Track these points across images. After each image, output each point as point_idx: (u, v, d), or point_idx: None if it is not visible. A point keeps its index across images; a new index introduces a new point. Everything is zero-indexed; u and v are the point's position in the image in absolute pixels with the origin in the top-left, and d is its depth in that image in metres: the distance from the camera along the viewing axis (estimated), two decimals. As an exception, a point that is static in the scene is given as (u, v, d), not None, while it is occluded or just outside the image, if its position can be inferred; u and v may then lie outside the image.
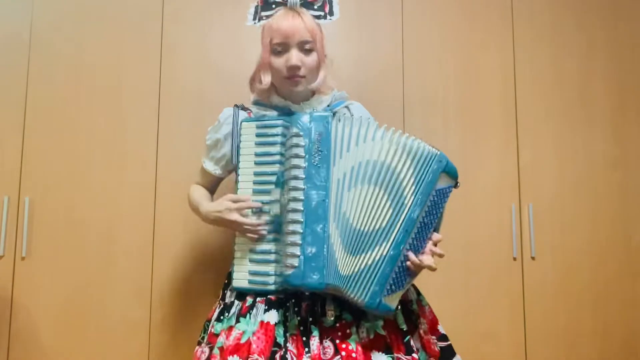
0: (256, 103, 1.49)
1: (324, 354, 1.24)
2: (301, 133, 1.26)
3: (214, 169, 1.51)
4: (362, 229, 1.25)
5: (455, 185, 1.35)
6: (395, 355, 1.27)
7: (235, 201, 1.33)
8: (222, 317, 1.35)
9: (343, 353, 1.23)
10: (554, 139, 2.09)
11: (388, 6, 2.08)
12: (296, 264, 1.22)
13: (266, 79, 1.41)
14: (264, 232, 1.31)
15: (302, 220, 1.22)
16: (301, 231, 1.22)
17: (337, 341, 1.25)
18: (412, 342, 1.32)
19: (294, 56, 1.36)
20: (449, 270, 1.98)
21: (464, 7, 2.12)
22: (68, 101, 1.91)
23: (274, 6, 1.43)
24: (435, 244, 1.31)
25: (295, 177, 1.24)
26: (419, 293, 1.46)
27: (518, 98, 2.09)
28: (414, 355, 1.29)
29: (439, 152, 1.31)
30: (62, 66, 1.92)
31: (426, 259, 1.27)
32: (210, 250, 1.88)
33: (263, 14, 1.44)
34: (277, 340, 1.24)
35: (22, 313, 1.80)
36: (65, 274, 1.83)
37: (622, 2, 2.19)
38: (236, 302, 1.33)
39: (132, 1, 1.98)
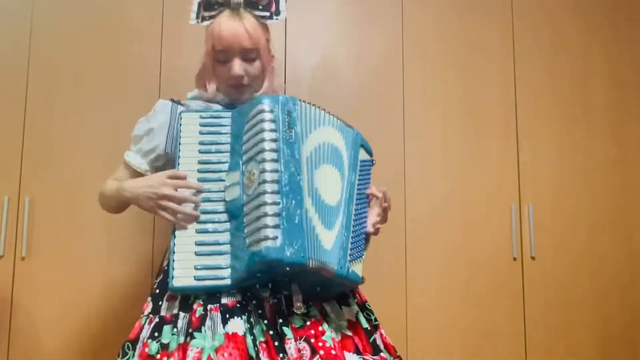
0: (195, 99, 1.42)
1: (302, 356, 1.12)
2: (267, 109, 1.19)
3: (139, 163, 1.36)
4: (330, 203, 1.25)
5: (373, 163, 1.45)
6: (364, 357, 1.21)
7: (172, 177, 1.21)
8: (157, 334, 1.14)
9: (321, 352, 1.13)
10: (554, 139, 2.09)
11: (388, 6, 2.08)
12: (272, 236, 1.08)
13: (211, 87, 1.38)
14: (198, 214, 1.19)
15: (277, 191, 1.12)
16: (277, 202, 1.11)
17: (312, 340, 1.15)
18: (377, 342, 1.28)
19: (237, 66, 1.33)
20: (449, 270, 1.98)
21: (464, 7, 2.12)
22: (68, 101, 1.91)
23: (216, 7, 1.36)
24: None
25: (265, 150, 1.15)
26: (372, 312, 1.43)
27: (518, 98, 2.09)
28: (382, 354, 1.25)
29: (352, 128, 1.39)
30: (62, 66, 1.92)
31: (375, 192, 1.37)
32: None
33: (206, 14, 1.38)
34: (249, 352, 1.09)
35: (22, 313, 1.80)
36: (65, 274, 1.83)
37: (621, 3, 2.19)
38: (182, 314, 1.15)
39: (133, 1, 1.98)
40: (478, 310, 1.97)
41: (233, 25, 1.32)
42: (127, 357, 1.15)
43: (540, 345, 1.97)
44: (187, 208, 1.20)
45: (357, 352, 1.20)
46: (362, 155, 1.40)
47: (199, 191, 1.21)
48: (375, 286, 1.89)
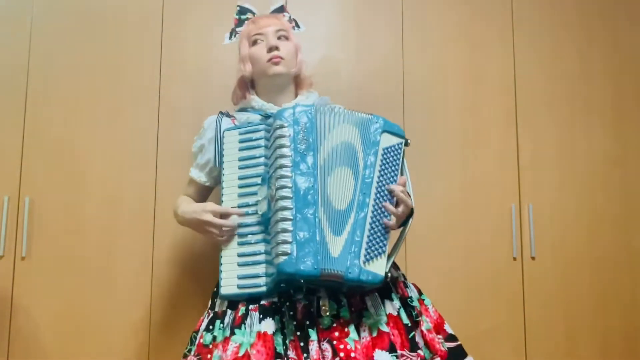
0: (240, 110, 1.55)
1: (323, 357, 1.21)
2: (285, 124, 1.28)
3: (199, 176, 1.53)
4: (340, 208, 1.27)
5: (406, 143, 1.40)
6: (400, 352, 1.26)
7: (211, 209, 1.36)
8: (211, 327, 1.31)
9: (342, 354, 1.20)
10: (554, 138, 2.09)
11: (388, 6, 2.08)
12: (288, 251, 1.19)
13: (247, 67, 1.52)
14: (230, 233, 1.32)
15: (291, 206, 1.22)
16: (291, 217, 1.21)
17: (335, 342, 1.23)
18: (417, 338, 1.32)
19: (272, 39, 1.50)
20: (449, 270, 1.98)
21: (464, 7, 2.12)
22: (68, 101, 1.91)
23: (246, 22, 1.60)
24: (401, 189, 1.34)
25: (282, 166, 1.25)
26: (420, 292, 1.47)
27: (518, 98, 2.09)
28: (420, 352, 1.29)
29: (372, 116, 1.36)
30: (62, 66, 1.92)
31: (397, 191, 1.31)
32: (211, 250, 1.88)
33: (237, 29, 1.60)
34: (277, 350, 1.21)
35: (22, 313, 1.80)
36: (65, 274, 1.83)
37: (621, 3, 2.19)
38: (229, 311, 1.30)
39: (132, 1, 1.98)
40: (478, 310, 1.97)
41: (266, 16, 1.57)
42: (193, 344, 1.34)
43: (540, 345, 1.97)
44: (226, 230, 1.33)
45: (392, 348, 1.25)
46: (387, 141, 1.36)
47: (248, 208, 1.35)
48: (375, 286, 1.89)
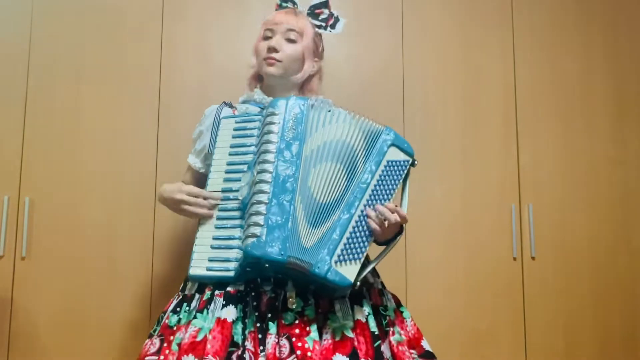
0: (244, 101, 1.55)
1: (280, 352, 1.18)
2: (276, 112, 1.30)
3: (195, 162, 1.53)
4: (323, 201, 1.26)
5: (413, 163, 1.39)
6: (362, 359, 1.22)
7: (188, 192, 1.36)
8: (178, 309, 1.31)
9: (298, 352, 1.17)
10: (554, 139, 2.09)
11: (388, 6, 2.09)
12: (258, 233, 1.18)
13: (252, 61, 1.54)
14: (206, 211, 1.32)
15: (268, 191, 1.22)
16: (266, 201, 1.21)
17: (294, 339, 1.19)
18: (382, 348, 1.27)
19: (275, 39, 1.48)
20: (449, 269, 1.98)
21: (464, 7, 2.12)
22: (68, 101, 1.91)
23: None
24: (392, 211, 1.29)
25: (266, 151, 1.26)
26: (399, 305, 1.43)
27: (518, 98, 2.09)
28: None
29: (385, 127, 1.38)
30: (62, 66, 1.92)
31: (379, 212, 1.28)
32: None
33: None
34: (235, 339, 1.20)
35: (22, 313, 1.80)
36: (65, 274, 1.83)
37: (622, 2, 2.19)
38: (197, 295, 1.30)
39: (132, 1, 1.98)
40: (478, 311, 1.97)
41: (286, 12, 1.52)
42: (159, 325, 1.34)
43: (540, 345, 1.97)
44: (202, 209, 1.33)
45: (354, 355, 1.21)
46: (394, 155, 1.36)
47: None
48: (375, 286, 1.89)
